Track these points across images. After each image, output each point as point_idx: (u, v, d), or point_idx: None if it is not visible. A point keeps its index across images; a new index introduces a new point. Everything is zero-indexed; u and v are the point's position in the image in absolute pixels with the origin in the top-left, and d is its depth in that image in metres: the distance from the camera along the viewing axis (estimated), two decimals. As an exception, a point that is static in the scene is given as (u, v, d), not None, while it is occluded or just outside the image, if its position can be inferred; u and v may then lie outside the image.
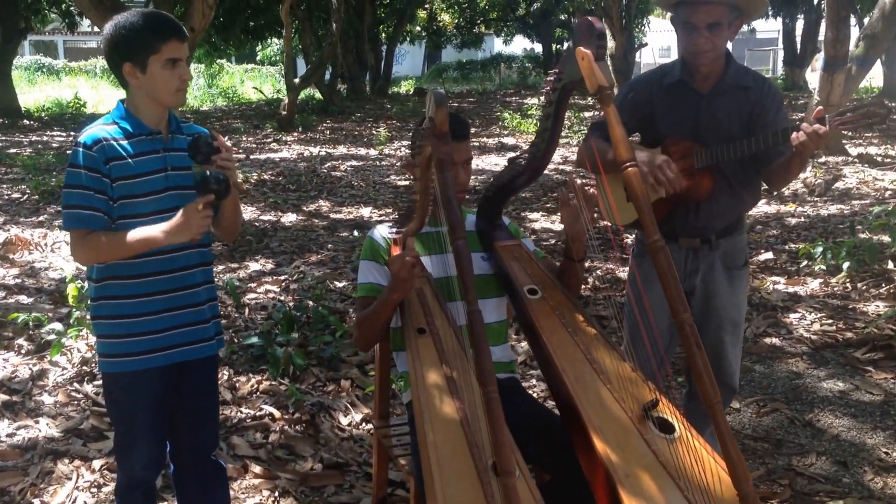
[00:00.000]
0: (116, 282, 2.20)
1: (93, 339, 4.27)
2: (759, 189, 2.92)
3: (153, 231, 2.09)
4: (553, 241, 6.79)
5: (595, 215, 2.39)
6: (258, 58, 34.09)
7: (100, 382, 3.88)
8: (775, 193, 8.27)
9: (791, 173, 2.71)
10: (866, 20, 16.87)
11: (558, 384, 2.11)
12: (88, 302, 2.36)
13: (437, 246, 2.41)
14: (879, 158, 10.83)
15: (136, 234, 2.11)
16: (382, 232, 2.48)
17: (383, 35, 27.88)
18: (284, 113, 16.02)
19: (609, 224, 2.76)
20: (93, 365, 4.04)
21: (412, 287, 2.23)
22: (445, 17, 33.09)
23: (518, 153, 2.27)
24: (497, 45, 38.68)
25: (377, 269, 2.43)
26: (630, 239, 3.51)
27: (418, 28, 33.08)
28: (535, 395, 3.75)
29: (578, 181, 2.35)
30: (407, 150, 13.27)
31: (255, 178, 9.88)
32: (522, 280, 2.36)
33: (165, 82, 2.12)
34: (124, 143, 2.14)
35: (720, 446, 1.83)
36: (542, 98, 2.16)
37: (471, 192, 2.20)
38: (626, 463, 1.91)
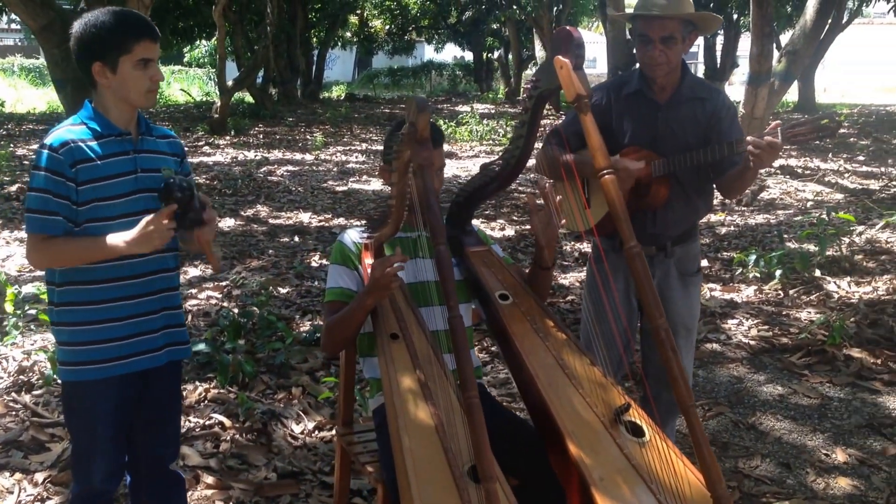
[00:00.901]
0: (78, 287, 2.12)
1: (29, 346, 4.12)
2: (712, 197, 3.01)
3: (114, 240, 2.04)
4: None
5: (563, 221, 2.42)
6: (185, 59, 33.37)
7: (39, 392, 3.75)
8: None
9: (745, 183, 2.79)
10: (783, 37, 17.48)
11: (531, 389, 2.13)
12: (43, 307, 2.27)
13: (409, 251, 2.40)
14: (800, 170, 11.26)
15: (96, 242, 2.05)
16: (353, 236, 2.45)
17: (315, 40, 27.65)
18: (217, 116, 15.70)
19: (570, 230, 2.79)
20: (30, 374, 3.89)
21: (389, 294, 2.22)
22: (377, 24, 33.01)
23: (493, 160, 2.28)
24: (428, 52, 38.78)
25: (347, 273, 2.40)
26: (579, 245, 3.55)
27: (350, 34, 32.93)
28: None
29: (548, 185, 2.38)
30: (344, 156, 13.08)
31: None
32: (493, 286, 2.37)
33: (136, 83, 2.06)
34: (93, 143, 2.07)
35: (695, 449, 1.87)
36: (520, 106, 2.18)
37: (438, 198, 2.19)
38: (599, 467, 1.95)
